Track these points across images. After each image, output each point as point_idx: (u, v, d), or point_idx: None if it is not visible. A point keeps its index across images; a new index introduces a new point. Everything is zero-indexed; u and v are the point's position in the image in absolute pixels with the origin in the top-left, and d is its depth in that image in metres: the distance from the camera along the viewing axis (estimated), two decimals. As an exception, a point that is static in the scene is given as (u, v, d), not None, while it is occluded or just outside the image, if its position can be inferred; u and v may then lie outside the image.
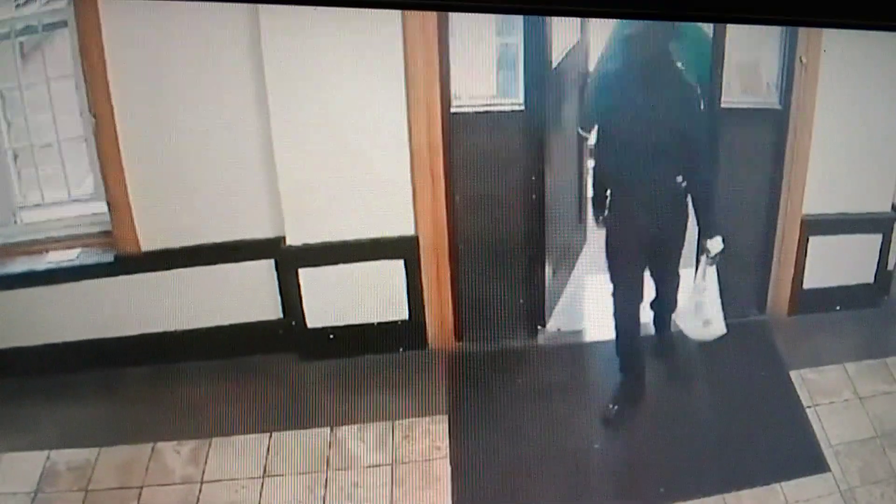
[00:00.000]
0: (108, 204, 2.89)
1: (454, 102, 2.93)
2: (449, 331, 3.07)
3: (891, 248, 3.17)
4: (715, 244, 2.99)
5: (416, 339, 3.00)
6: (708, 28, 3.03)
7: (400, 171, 2.91)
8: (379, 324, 2.98)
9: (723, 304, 3.03)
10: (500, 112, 2.96)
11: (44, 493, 2.73)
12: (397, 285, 2.98)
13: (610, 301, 3.01)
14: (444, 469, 2.82)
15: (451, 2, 2.20)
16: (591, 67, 3.08)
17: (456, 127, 2.92)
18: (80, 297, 2.89)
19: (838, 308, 3.17)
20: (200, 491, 2.75)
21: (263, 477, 2.79)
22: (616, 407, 2.96)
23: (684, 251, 3.06)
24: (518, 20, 2.88)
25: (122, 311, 2.90)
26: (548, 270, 3.10)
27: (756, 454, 2.85)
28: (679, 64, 2.93)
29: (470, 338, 3.04)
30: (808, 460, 2.86)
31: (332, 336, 2.97)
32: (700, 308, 3.03)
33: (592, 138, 3.05)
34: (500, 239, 3.01)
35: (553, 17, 2.88)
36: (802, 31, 2.95)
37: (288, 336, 2.99)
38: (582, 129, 3.12)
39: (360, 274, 2.94)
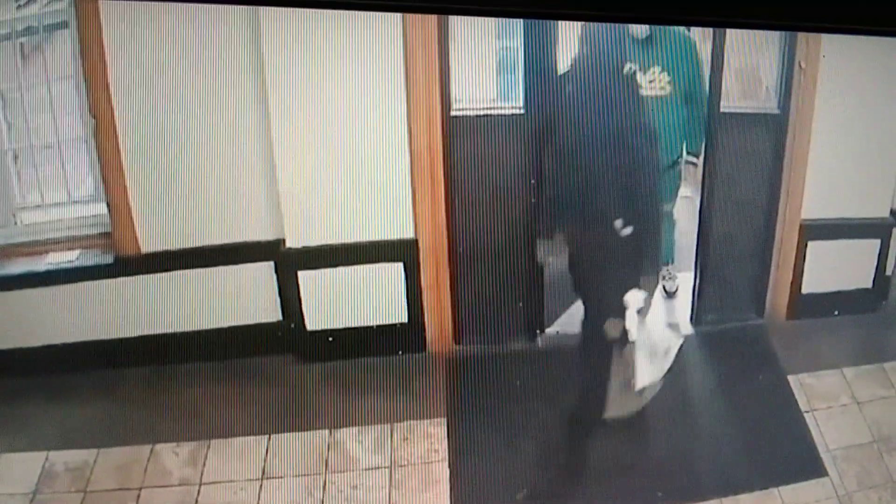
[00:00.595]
0: (108, 205, 2.88)
1: (454, 106, 2.94)
2: (448, 334, 3.07)
3: (889, 253, 3.17)
4: (670, 284, 2.99)
5: (415, 343, 3.00)
6: (700, 39, 3.03)
7: (400, 174, 2.91)
8: (378, 326, 2.98)
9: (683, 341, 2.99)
10: (500, 116, 2.97)
11: (42, 493, 2.72)
12: (397, 288, 2.98)
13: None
14: (442, 472, 2.82)
15: (452, 5, 2.20)
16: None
17: (456, 130, 2.93)
18: (80, 299, 2.88)
19: (836, 313, 3.17)
20: (199, 492, 2.75)
21: (262, 479, 2.79)
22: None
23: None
24: (518, 24, 2.89)
25: (122, 312, 2.90)
26: (547, 274, 3.10)
27: (754, 458, 2.85)
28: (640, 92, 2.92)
29: (469, 341, 3.04)
30: (806, 465, 2.86)
31: (331, 338, 2.97)
32: (654, 345, 2.94)
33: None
34: (500, 241, 3.01)
35: (553, 21, 2.88)
36: (801, 37, 2.96)
37: (287, 338, 2.99)
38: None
39: (360, 277, 2.94)
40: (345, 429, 2.86)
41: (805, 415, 2.97)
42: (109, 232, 2.92)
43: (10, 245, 2.94)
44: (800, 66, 2.99)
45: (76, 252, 2.94)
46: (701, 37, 3.16)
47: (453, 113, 2.93)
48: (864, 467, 2.87)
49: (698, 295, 3.18)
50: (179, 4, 2.67)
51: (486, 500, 2.78)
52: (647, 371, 2.90)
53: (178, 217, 2.86)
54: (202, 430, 2.84)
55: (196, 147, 2.79)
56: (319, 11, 2.68)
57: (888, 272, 3.19)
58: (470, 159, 2.95)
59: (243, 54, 2.76)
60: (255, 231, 2.92)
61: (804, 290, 3.18)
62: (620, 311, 2.84)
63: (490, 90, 2.97)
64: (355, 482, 2.79)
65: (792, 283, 3.17)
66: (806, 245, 3.14)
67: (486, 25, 2.85)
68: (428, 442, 2.88)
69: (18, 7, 2.85)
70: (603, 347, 2.88)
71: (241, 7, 2.72)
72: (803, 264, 3.16)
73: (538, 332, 3.11)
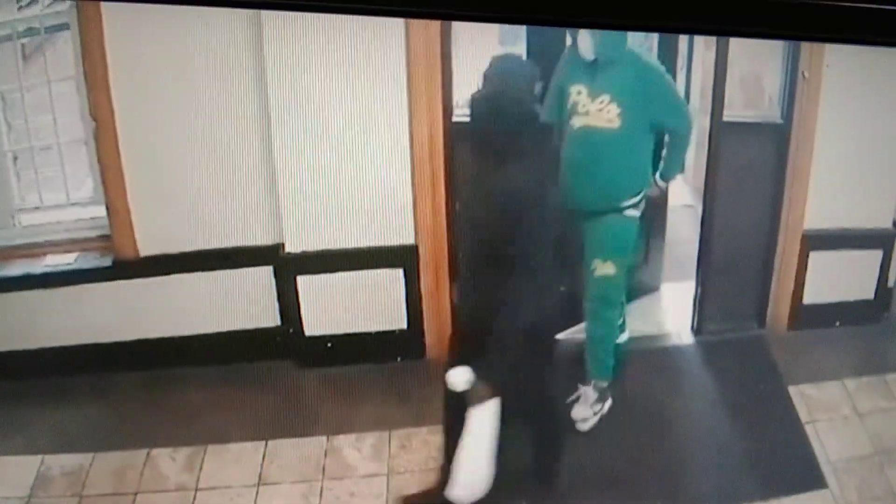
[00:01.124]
0: (107, 208, 2.87)
1: (456, 111, 2.93)
2: (447, 340, 3.06)
3: (891, 264, 3.17)
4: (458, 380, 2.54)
5: (414, 349, 2.99)
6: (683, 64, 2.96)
7: (400, 179, 2.90)
8: (377, 332, 2.97)
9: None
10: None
11: (37, 498, 2.71)
12: (396, 294, 2.97)
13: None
14: (440, 480, 2.80)
15: (456, 11, 2.19)
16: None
17: (457, 136, 2.92)
18: (78, 302, 2.88)
19: (838, 324, 3.16)
20: (195, 498, 2.74)
21: (259, 485, 2.77)
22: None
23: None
24: (521, 30, 2.88)
25: (120, 315, 2.89)
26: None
27: (754, 469, 2.84)
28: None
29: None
30: (807, 476, 2.84)
31: (329, 344, 2.96)
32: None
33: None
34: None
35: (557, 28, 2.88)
36: (805, 46, 2.96)
37: (285, 343, 2.98)
38: None
39: (359, 282, 2.93)
40: (343, 435, 2.85)
41: (806, 426, 2.96)
42: (108, 234, 2.91)
43: (8, 247, 2.93)
44: (803, 75, 2.98)
45: (74, 254, 2.94)
46: (703, 46, 3.17)
47: (455, 118, 2.92)
48: (865, 479, 2.86)
49: (699, 305, 3.17)
50: (181, 8, 2.66)
51: (483, 508, 2.77)
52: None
53: (178, 220, 2.85)
54: (199, 434, 2.83)
55: (196, 150, 2.78)
56: (322, 16, 2.67)
57: (890, 283, 3.18)
58: (471, 165, 2.94)
59: (244, 58, 2.75)
60: (254, 235, 2.91)
61: (806, 301, 3.17)
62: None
63: (492, 96, 2.96)
64: (352, 489, 2.78)
65: (793, 293, 3.16)
66: (808, 255, 3.13)
67: (489, 32, 2.84)
68: (426, 449, 2.86)
69: (20, 8, 2.84)
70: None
71: (244, 10, 2.71)
72: (805, 274, 3.15)
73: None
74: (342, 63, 2.74)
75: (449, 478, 2.57)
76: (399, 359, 2.97)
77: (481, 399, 2.43)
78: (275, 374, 2.93)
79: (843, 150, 3.02)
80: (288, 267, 2.93)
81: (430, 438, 2.88)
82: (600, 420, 2.94)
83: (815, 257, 3.14)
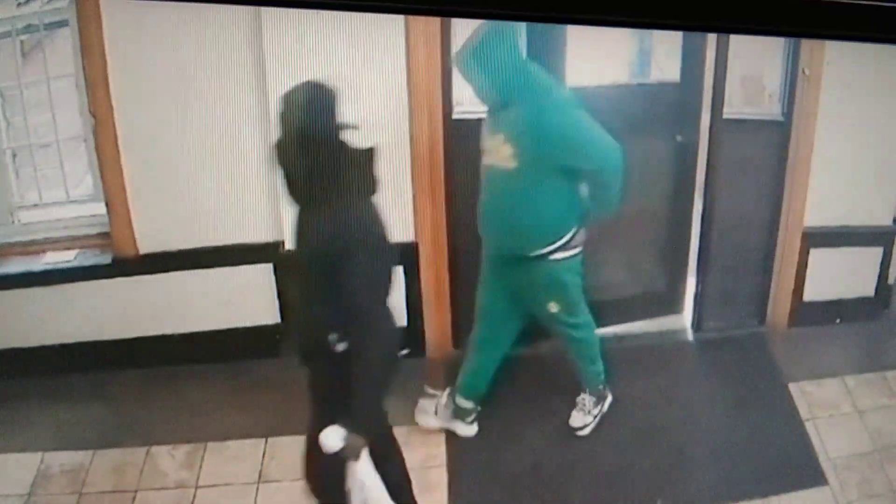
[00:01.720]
0: (107, 205, 2.87)
1: (456, 109, 2.92)
2: (447, 338, 3.06)
3: (891, 261, 3.17)
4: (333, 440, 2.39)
5: (414, 346, 2.98)
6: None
7: (400, 176, 2.90)
8: (377, 330, 2.96)
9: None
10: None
11: (37, 495, 2.71)
12: (396, 292, 2.96)
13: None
14: (440, 477, 2.80)
15: (455, 8, 2.19)
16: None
17: (457, 133, 2.91)
18: (77, 299, 2.87)
19: (838, 321, 3.17)
20: (195, 496, 2.74)
21: (259, 482, 2.77)
22: None
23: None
24: (521, 27, 2.87)
25: (119, 313, 2.89)
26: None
27: (754, 466, 2.84)
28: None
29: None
30: (807, 473, 2.84)
31: (329, 342, 2.96)
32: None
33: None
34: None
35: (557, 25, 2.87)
36: (806, 43, 2.95)
37: (285, 341, 2.98)
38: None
39: (359, 279, 2.92)
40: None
41: (806, 423, 2.96)
42: (108, 232, 2.91)
43: (7, 244, 2.93)
44: (804, 72, 2.98)
45: (74, 252, 2.93)
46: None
47: (455, 116, 2.92)
48: (865, 476, 2.86)
49: (700, 302, 3.17)
50: (180, 4, 2.66)
51: (484, 505, 2.77)
52: None
53: (177, 217, 2.85)
54: (199, 432, 2.83)
55: (195, 147, 2.78)
56: (321, 12, 2.67)
57: (890, 280, 3.18)
58: (471, 162, 2.93)
59: (244, 55, 2.75)
60: (254, 233, 2.91)
61: (806, 298, 3.17)
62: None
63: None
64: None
65: (794, 290, 3.16)
66: (808, 252, 3.13)
67: (488, 28, 2.84)
68: (426, 447, 2.86)
69: (19, 5, 2.84)
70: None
71: (243, 7, 2.71)
72: (805, 272, 3.15)
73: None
74: (342, 61, 2.73)
75: None
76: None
77: (357, 451, 2.39)
78: (275, 371, 2.93)
79: (844, 148, 3.02)
80: (288, 264, 2.93)
81: (430, 436, 2.88)
82: (601, 420, 2.94)
83: (815, 254, 3.14)
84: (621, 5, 1.94)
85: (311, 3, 2.19)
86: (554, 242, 2.73)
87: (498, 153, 2.68)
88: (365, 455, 2.41)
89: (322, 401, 2.48)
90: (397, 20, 2.73)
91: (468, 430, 2.89)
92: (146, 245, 2.89)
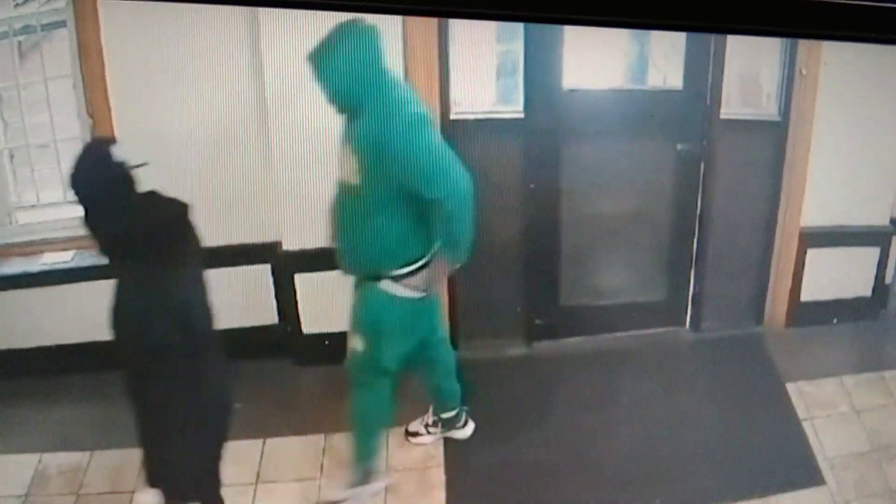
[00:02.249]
0: (105, 206, 2.87)
1: (454, 109, 2.93)
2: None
3: (889, 261, 3.17)
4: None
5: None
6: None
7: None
8: (375, 330, 2.96)
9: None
10: (500, 120, 2.96)
11: (34, 496, 2.71)
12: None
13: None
14: (438, 477, 2.80)
15: (453, 8, 2.19)
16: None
17: (455, 134, 2.91)
18: (75, 300, 2.87)
19: (835, 321, 3.17)
20: (193, 496, 2.74)
21: (257, 483, 2.77)
22: None
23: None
24: (519, 27, 2.88)
25: (117, 313, 2.88)
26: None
27: (751, 466, 2.84)
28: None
29: (467, 346, 3.03)
30: (804, 473, 2.85)
31: (327, 342, 2.96)
32: None
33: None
34: (498, 246, 3.00)
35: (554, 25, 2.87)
36: (803, 44, 2.96)
37: (283, 341, 2.98)
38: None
39: (357, 280, 2.92)
40: (341, 433, 2.85)
41: (803, 423, 2.96)
42: (106, 233, 2.90)
43: (5, 245, 2.92)
44: (801, 73, 2.99)
45: (71, 252, 2.93)
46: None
47: (453, 116, 2.92)
48: (863, 476, 2.86)
49: (697, 302, 3.18)
50: (178, 5, 2.65)
51: (482, 506, 2.77)
52: None
53: (175, 218, 2.84)
54: (197, 433, 2.83)
55: (193, 148, 2.78)
56: (319, 13, 2.67)
57: (887, 280, 3.19)
58: (469, 163, 2.93)
59: (241, 56, 2.75)
60: (252, 233, 2.91)
61: (803, 298, 3.18)
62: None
63: (490, 94, 2.96)
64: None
65: (791, 290, 3.17)
66: (805, 252, 3.14)
67: (486, 29, 2.84)
68: (424, 447, 2.86)
69: (16, 5, 2.84)
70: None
71: (240, 7, 2.71)
72: (802, 272, 3.15)
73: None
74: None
75: None
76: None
77: None
78: (273, 372, 2.93)
79: (841, 148, 3.02)
80: (286, 265, 2.93)
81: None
82: (595, 418, 2.94)
83: (812, 254, 3.14)
84: (621, 5, 1.94)
85: (311, 3, 2.19)
86: (396, 268, 2.55)
87: (344, 166, 2.50)
88: None
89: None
90: (395, 21, 2.74)
91: (464, 432, 2.88)
92: (144, 246, 2.88)
